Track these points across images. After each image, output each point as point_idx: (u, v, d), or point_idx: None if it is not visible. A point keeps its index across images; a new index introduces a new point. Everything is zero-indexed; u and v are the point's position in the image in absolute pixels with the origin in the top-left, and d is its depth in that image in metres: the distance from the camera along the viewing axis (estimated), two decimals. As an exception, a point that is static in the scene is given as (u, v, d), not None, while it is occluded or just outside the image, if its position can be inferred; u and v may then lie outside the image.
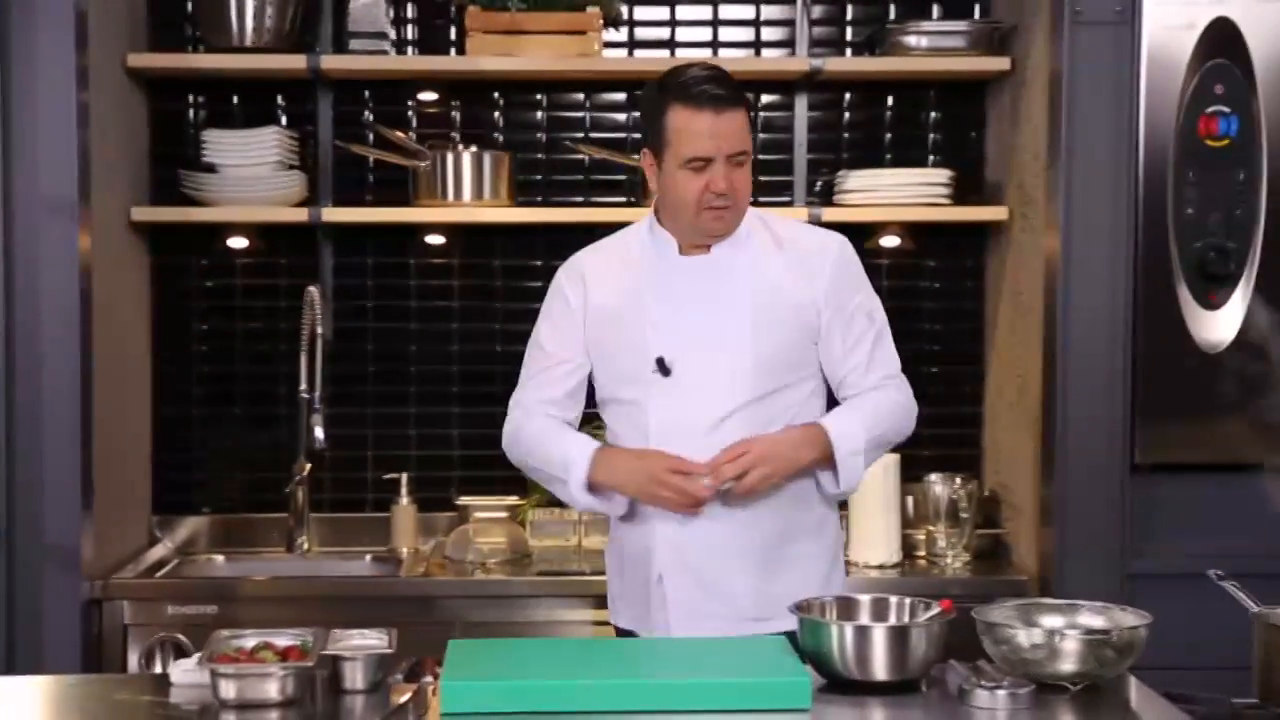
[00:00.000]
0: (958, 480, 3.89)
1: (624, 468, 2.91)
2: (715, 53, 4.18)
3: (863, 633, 2.45)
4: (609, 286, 3.00)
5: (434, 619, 3.59)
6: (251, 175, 3.95)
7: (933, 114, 4.21)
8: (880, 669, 2.43)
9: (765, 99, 4.20)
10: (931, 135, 4.22)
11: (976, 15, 4.17)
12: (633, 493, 2.91)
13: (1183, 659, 3.10)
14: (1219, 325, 3.53)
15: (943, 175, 4.01)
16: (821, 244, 3.01)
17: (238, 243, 4.13)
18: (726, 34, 4.20)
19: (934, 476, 3.91)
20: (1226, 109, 3.50)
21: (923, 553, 3.89)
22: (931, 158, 4.20)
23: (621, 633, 3.03)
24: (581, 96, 4.21)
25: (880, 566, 3.78)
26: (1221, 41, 3.49)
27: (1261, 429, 3.55)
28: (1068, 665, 2.44)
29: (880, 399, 2.99)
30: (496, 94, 4.20)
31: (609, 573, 3.09)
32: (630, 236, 3.07)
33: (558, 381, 3.02)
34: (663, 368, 2.92)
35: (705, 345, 2.92)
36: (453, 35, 4.17)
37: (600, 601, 3.21)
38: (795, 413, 2.95)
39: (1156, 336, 3.56)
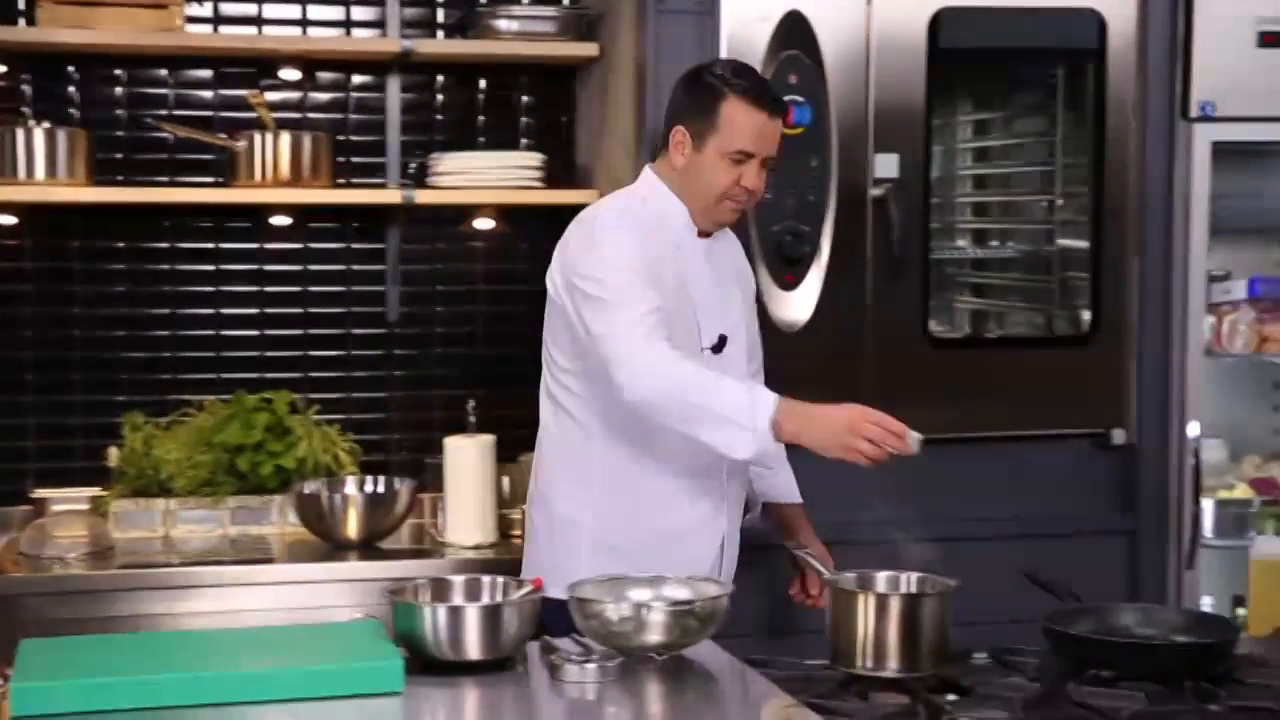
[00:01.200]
0: (553, 460, 3.93)
1: (819, 415, 2.74)
2: (305, 31, 4.10)
3: (455, 613, 2.45)
4: (657, 252, 2.99)
5: (10, 619, 3.40)
6: None
7: (525, 98, 4.25)
8: (473, 649, 2.44)
9: (356, 79, 4.15)
10: (524, 119, 4.25)
11: (566, 1, 4.22)
12: (821, 441, 2.73)
13: (772, 624, 3.23)
14: (796, 305, 3.68)
15: (535, 159, 4.05)
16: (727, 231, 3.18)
17: None
18: (316, 12, 4.12)
19: (530, 456, 3.94)
20: (801, 98, 3.64)
21: (518, 532, 3.92)
22: (524, 141, 4.24)
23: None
24: (165, 73, 4.06)
25: (476, 547, 3.79)
26: (794, 34, 3.64)
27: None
28: (654, 636, 2.50)
29: None
30: (72, 68, 4.01)
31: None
32: (644, 210, 3.04)
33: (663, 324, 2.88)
34: (719, 346, 3.02)
35: (732, 329, 3.06)
36: (22, 4, 3.95)
37: (187, 593, 3.10)
38: None
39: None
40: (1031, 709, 2.41)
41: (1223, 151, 3.88)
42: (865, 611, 2.51)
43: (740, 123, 2.97)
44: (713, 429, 2.77)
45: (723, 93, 2.98)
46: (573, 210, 4.15)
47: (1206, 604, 3.94)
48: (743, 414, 2.74)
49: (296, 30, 4.10)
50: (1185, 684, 2.48)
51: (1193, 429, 3.82)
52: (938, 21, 3.70)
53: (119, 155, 4.03)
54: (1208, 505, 3.93)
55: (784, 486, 3.23)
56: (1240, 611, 3.64)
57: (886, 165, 3.69)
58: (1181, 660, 2.56)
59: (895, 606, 2.51)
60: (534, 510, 3.17)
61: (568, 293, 3.00)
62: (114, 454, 3.90)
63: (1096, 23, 3.79)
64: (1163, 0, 3.83)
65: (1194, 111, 3.83)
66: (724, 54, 3.60)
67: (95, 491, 3.87)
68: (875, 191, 3.67)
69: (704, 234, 3.09)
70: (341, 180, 4.08)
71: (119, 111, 4.04)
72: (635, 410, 2.85)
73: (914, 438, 2.71)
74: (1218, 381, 4.16)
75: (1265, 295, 4.06)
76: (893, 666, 2.50)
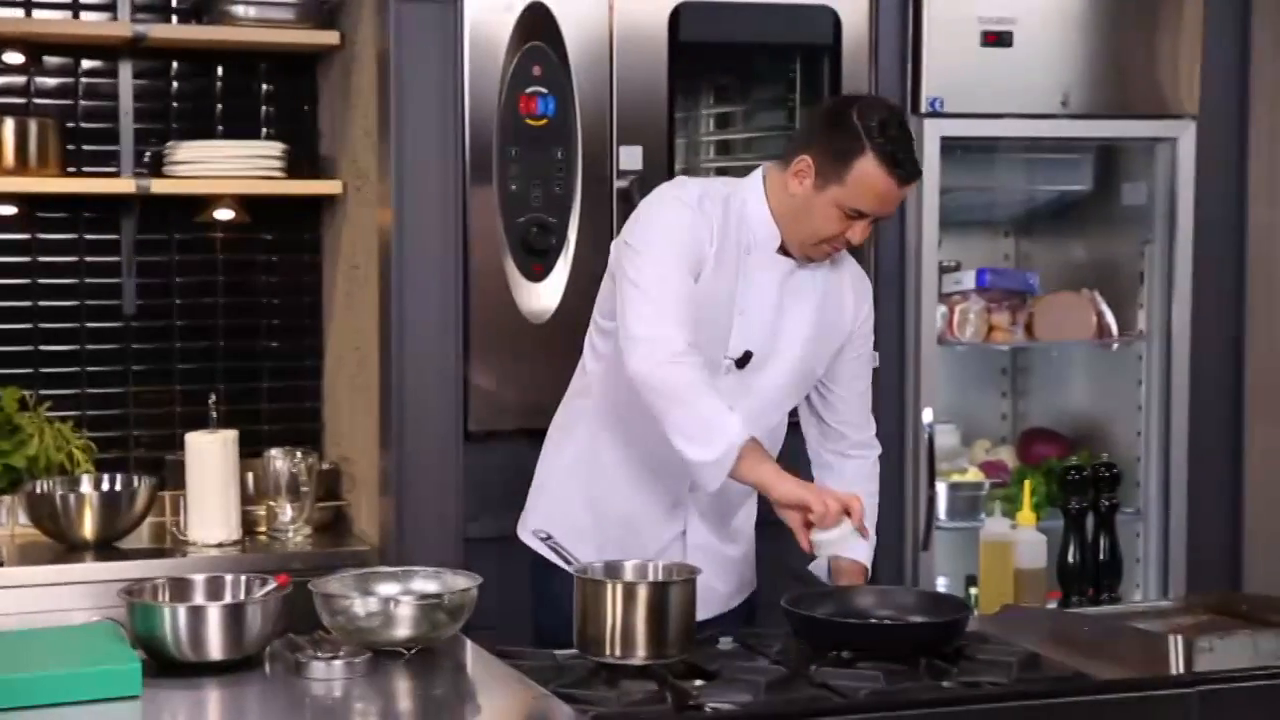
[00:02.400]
0: (298, 454, 3.87)
1: (772, 479, 2.75)
2: (29, 13, 3.95)
3: (195, 613, 2.40)
4: (715, 248, 2.87)
5: None
6: None
7: (265, 86, 4.16)
8: (215, 649, 2.39)
9: (86, 65, 4.01)
10: (264, 107, 4.17)
11: (307, -13, 4.15)
12: (778, 491, 2.74)
13: (520, 616, 3.23)
14: (543, 296, 3.70)
15: (276, 148, 3.97)
16: (863, 273, 3.09)
17: None
18: (43, -7, 3.98)
19: (274, 451, 3.87)
20: (544, 89, 3.65)
21: (264, 528, 3.86)
22: (265, 130, 4.16)
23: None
24: (-124, 54, 3.88)
25: (220, 545, 3.71)
26: (537, 25, 3.64)
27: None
28: (402, 630, 2.49)
29: (871, 513, 3.01)
30: None
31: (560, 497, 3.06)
32: (732, 203, 2.91)
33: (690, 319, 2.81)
34: (743, 362, 2.90)
35: (777, 350, 2.94)
36: None
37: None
38: (778, 438, 3.05)
39: (487, 308, 3.69)
40: (774, 691, 2.46)
41: (951, 146, 4.02)
42: (613, 600, 2.54)
43: (869, 185, 2.82)
44: (679, 436, 2.77)
45: (863, 147, 2.81)
46: (315, 201, 4.13)
47: (941, 584, 4.08)
48: (705, 431, 2.74)
49: (20, 12, 3.94)
50: (920, 662, 2.57)
51: (926, 415, 3.95)
52: (678, 15, 3.75)
53: None
54: (941, 489, 4.07)
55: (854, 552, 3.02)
56: (973, 591, 3.78)
57: (631, 157, 3.73)
58: (916, 639, 2.66)
59: (642, 594, 2.54)
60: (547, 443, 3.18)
61: (615, 250, 2.96)
62: None
63: (831, 19, 3.88)
64: (894, -2, 3.96)
65: (924, 107, 3.96)
66: (467, 45, 3.59)
67: None
68: (620, 183, 3.70)
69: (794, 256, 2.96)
70: (72, 169, 3.94)
71: None
72: (633, 386, 2.81)
73: (826, 545, 2.76)
74: (949, 369, 4.32)
75: (993, 286, 4.21)
76: (640, 654, 2.53)
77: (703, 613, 2.72)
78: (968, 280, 4.21)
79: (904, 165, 2.83)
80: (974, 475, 4.20)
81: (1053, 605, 3.33)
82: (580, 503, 3.08)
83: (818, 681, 2.51)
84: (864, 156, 2.81)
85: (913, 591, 3.22)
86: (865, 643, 2.63)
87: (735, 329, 2.93)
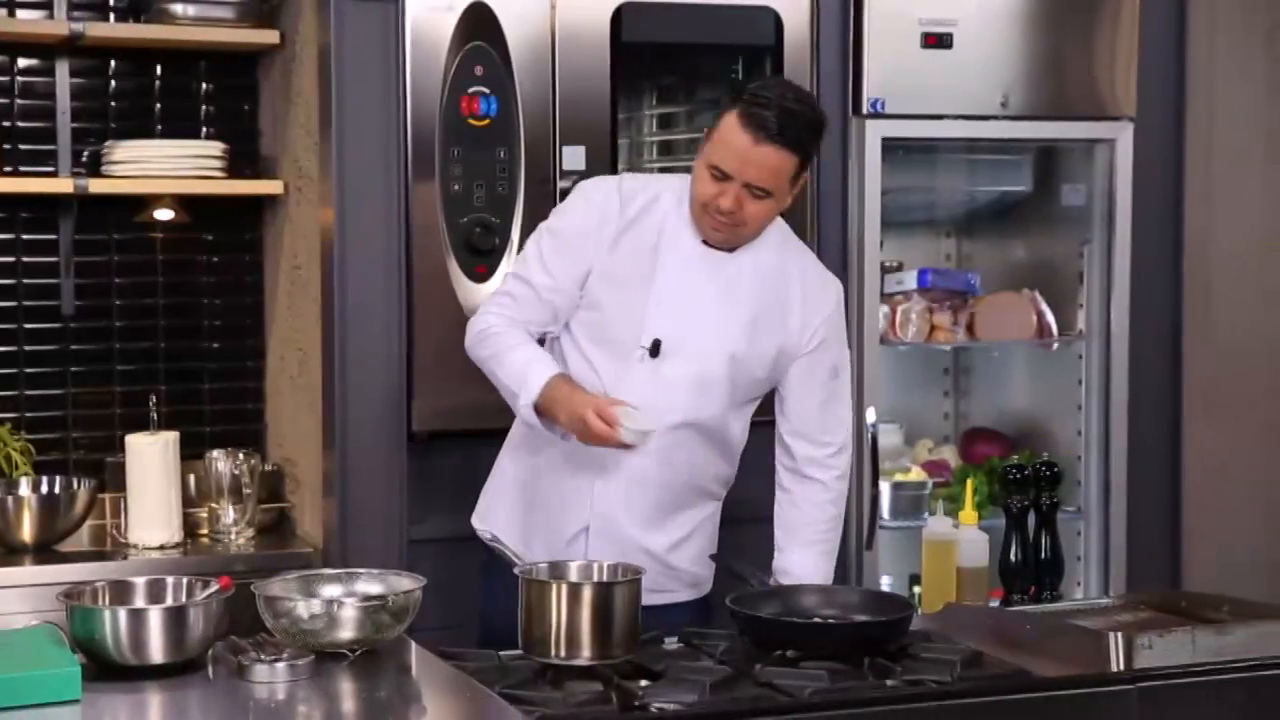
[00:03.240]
0: (240, 455, 3.85)
1: (564, 399, 2.87)
2: (-34, 11, 3.91)
3: (136, 616, 2.38)
4: (632, 236, 2.91)
5: None
6: None
7: (204, 85, 4.13)
8: (156, 652, 2.38)
9: (23, 63, 3.97)
10: (204, 106, 4.14)
11: (247, -14, 4.12)
12: (565, 424, 2.87)
13: (465, 618, 3.23)
14: (486, 296, 3.68)
15: (216, 148, 3.95)
16: (825, 282, 3.07)
17: None
18: (-22, -9, 3.94)
19: (216, 453, 3.85)
20: (486, 89, 3.65)
21: (205, 530, 3.83)
22: (204, 129, 4.12)
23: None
24: None
25: (161, 547, 3.68)
26: (479, 25, 3.63)
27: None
28: (346, 632, 2.48)
29: (827, 536, 3.09)
30: None
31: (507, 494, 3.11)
32: (661, 195, 3.00)
33: (543, 307, 2.99)
34: (654, 351, 2.88)
35: (696, 341, 2.94)
36: None
37: None
38: (734, 443, 3.07)
39: (429, 309, 3.67)
40: (719, 690, 2.47)
41: (893, 147, 4.04)
42: (557, 601, 2.53)
43: (727, 140, 2.86)
44: (506, 395, 2.97)
45: (731, 105, 2.88)
46: (256, 200, 4.10)
47: (885, 583, 4.09)
48: (516, 383, 2.93)
49: (-48, 10, 3.91)
50: (864, 661, 2.58)
51: (870, 414, 3.96)
52: (620, 15, 3.75)
53: None
54: (885, 488, 4.09)
55: (795, 570, 3.07)
56: (916, 590, 3.80)
57: (574, 157, 3.72)
58: (860, 638, 2.67)
59: (587, 595, 2.54)
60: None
61: None
62: None
63: (773, 20, 3.90)
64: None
65: (865, 108, 3.98)
66: (409, 45, 3.58)
67: None
68: (563, 183, 3.70)
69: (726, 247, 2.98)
70: (9, 169, 3.90)
71: None
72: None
73: (631, 432, 2.80)
74: (892, 368, 4.33)
75: (934, 286, 4.24)
76: (586, 655, 2.53)
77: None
78: (909, 280, 4.24)
79: (763, 125, 2.83)
80: (917, 475, 4.22)
81: (995, 604, 3.34)
82: (514, 493, 3.13)
83: (763, 681, 2.51)
84: (729, 113, 2.87)
85: (857, 590, 3.24)
86: (810, 642, 2.64)
87: (651, 317, 2.96)
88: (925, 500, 4.14)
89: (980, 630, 2.82)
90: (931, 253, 4.58)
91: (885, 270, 4.18)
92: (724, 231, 2.94)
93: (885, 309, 4.13)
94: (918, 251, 4.51)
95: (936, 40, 4.02)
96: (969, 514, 3.35)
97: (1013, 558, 3.45)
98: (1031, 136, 4.22)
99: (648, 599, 2.65)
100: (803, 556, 3.08)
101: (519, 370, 2.94)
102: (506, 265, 3.68)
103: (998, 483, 3.68)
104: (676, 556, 3.09)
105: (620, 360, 2.97)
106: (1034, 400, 4.50)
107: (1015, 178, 4.43)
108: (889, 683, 2.54)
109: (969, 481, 3.54)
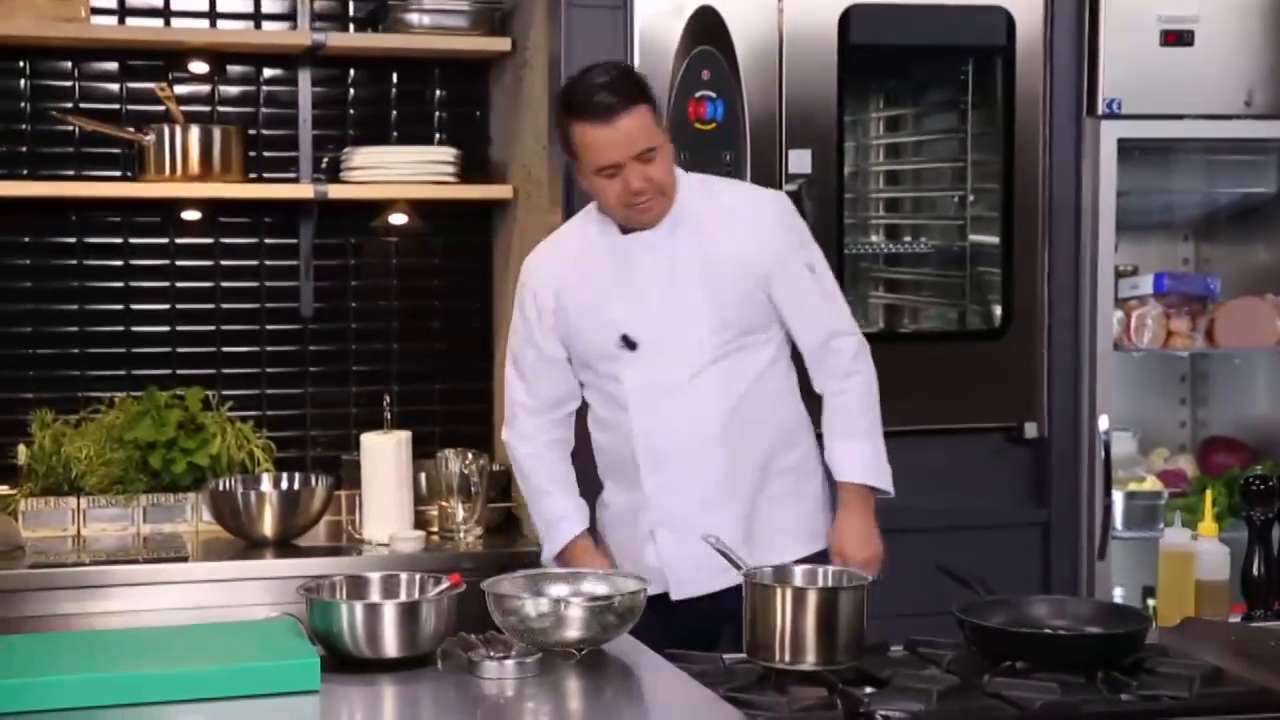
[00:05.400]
0: (470, 455, 3.92)
1: (578, 562, 3.11)
2: (213, 24, 4.06)
3: (371, 610, 2.43)
4: (571, 276, 3.11)
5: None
6: None
7: (438, 92, 4.23)
8: (391, 646, 2.43)
9: (268, 73, 4.11)
10: (437, 113, 4.23)
11: (479, -5, 4.20)
12: None
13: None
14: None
15: (449, 154, 4.03)
16: (754, 201, 3.14)
17: None
18: (225, 4, 4.08)
19: (447, 452, 3.92)
20: (713, 93, 3.66)
21: (436, 528, 3.91)
22: (438, 136, 4.22)
23: None
24: (69, 65, 4.00)
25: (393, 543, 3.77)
26: (707, 29, 3.65)
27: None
28: (573, 632, 2.50)
29: (856, 404, 3.12)
30: (-27, 61, 3.95)
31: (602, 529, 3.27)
32: (580, 223, 3.16)
33: (555, 376, 3.16)
34: (628, 343, 3.05)
35: (665, 316, 3.04)
36: (-78, -4, 3.89)
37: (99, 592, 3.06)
38: (762, 371, 3.09)
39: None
40: (946, 700, 2.43)
41: (1129, 148, 3.94)
42: (782, 605, 2.52)
43: (589, 144, 2.96)
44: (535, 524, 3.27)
45: (566, 121, 3.00)
46: (486, 205, 4.18)
47: (1118, 595, 3.99)
48: (542, 526, 3.22)
49: (204, 23, 4.06)
50: (1097, 675, 2.51)
51: (1103, 422, 3.88)
52: (848, 18, 3.72)
53: (23, 149, 3.97)
54: (1118, 497, 3.98)
55: (836, 460, 3.16)
56: (1150, 602, 3.69)
57: (800, 161, 3.71)
58: (1093, 651, 2.60)
59: (812, 600, 2.52)
60: None
61: None
62: (22, 452, 3.85)
63: (1005, 19, 3.83)
64: (1069, -2, 3.89)
65: (1100, 109, 3.89)
66: (637, 50, 3.60)
67: (3, 490, 3.81)
68: (789, 187, 3.68)
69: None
70: (253, 175, 4.04)
71: (22, 104, 3.98)
72: None
73: None
74: (1126, 375, 4.22)
75: (1171, 290, 4.12)
76: (810, 660, 2.51)
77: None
78: (1145, 285, 4.13)
79: (601, 107, 2.92)
80: (1152, 484, 4.11)
81: (1236, 619, 3.23)
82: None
83: (991, 692, 2.47)
84: (571, 126, 2.97)
85: (1089, 602, 3.17)
86: (1040, 654, 2.58)
87: (615, 318, 3.06)
88: (1160, 511, 4.02)
89: (1220, 646, 2.72)
90: (1168, 256, 4.45)
91: (1120, 274, 4.08)
92: (653, 205, 3.02)
93: (1119, 314, 4.03)
94: (1154, 255, 4.39)
95: (1176, 37, 3.90)
96: (1209, 525, 3.24)
97: (1255, 572, 3.32)
98: (1277, 136, 4.06)
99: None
100: (846, 446, 3.12)
101: (547, 522, 3.21)
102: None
103: (1238, 493, 3.56)
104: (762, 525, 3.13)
105: (613, 363, 3.08)
106: (1277, 409, 4.33)
107: (1259, 179, 4.28)
108: (1123, 698, 2.46)
109: (1208, 492, 3.43)
